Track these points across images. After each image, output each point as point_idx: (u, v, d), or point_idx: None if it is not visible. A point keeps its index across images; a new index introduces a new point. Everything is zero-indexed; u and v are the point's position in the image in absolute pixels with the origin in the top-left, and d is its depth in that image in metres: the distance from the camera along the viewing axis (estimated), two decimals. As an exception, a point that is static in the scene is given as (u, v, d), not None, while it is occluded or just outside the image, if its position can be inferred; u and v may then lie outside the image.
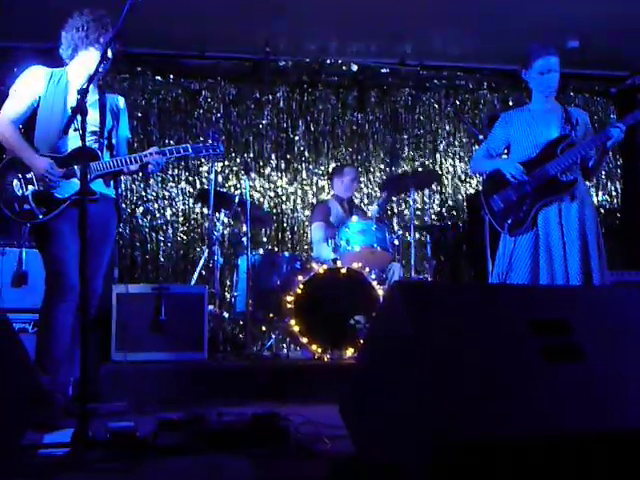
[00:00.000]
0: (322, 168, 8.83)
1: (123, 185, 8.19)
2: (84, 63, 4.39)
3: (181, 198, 8.48)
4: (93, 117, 4.37)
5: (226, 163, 8.57)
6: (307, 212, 8.50)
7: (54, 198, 4.24)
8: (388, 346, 2.65)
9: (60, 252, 4.22)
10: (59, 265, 4.21)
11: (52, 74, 4.41)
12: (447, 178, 9.12)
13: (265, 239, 8.54)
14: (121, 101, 4.74)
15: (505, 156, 5.14)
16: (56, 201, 4.25)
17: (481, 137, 5.61)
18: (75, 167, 4.27)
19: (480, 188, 5.12)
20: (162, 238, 8.39)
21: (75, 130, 3.63)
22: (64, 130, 3.62)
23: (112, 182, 4.55)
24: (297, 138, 8.82)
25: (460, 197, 9.13)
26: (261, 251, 6.77)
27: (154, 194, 8.43)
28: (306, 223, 8.38)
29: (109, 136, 4.52)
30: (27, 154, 4.22)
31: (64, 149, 4.30)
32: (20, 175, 4.26)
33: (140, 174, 4.94)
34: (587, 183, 4.93)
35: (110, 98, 4.64)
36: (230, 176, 8.60)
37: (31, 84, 4.34)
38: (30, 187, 4.24)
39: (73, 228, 4.17)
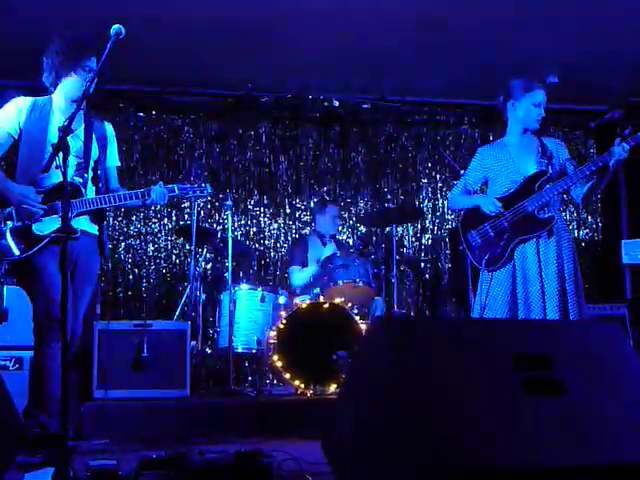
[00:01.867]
0: (304, 203, 8.85)
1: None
2: (67, 90, 4.32)
3: (163, 234, 8.47)
4: (77, 147, 4.29)
5: (208, 199, 8.58)
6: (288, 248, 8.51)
7: (33, 235, 4.15)
8: (370, 381, 2.64)
9: (46, 289, 4.11)
10: (46, 302, 4.10)
11: (34, 103, 4.32)
12: (429, 212, 9.15)
13: (247, 274, 8.53)
14: (109, 128, 4.65)
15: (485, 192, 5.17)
16: (35, 238, 4.15)
17: (462, 172, 5.64)
18: (57, 203, 4.18)
19: (459, 223, 5.14)
20: (144, 274, 8.37)
21: (57, 167, 3.58)
22: (44, 168, 3.58)
23: (96, 218, 4.45)
24: (279, 173, 8.85)
25: (442, 231, 9.16)
26: (243, 286, 6.74)
27: (136, 230, 8.42)
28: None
29: (95, 167, 4.41)
30: (2, 183, 4.14)
31: (47, 183, 4.22)
32: None
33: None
34: (566, 217, 4.96)
35: (97, 125, 4.53)
36: (212, 212, 8.61)
37: (11, 116, 4.27)
38: (9, 222, 4.15)
39: (56, 265, 4.04)
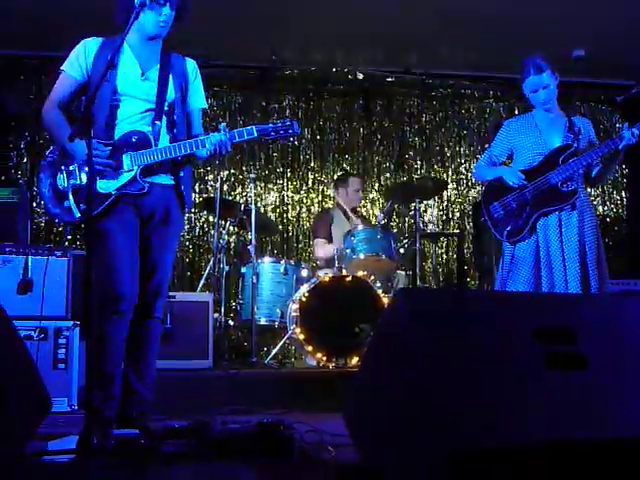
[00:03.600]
0: (328, 176, 8.83)
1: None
2: (141, 27, 3.82)
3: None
4: (146, 91, 3.86)
5: (232, 171, 8.59)
6: (312, 220, 8.49)
7: (98, 193, 3.67)
8: (391, 354, 2.64)
9: (107, 256, 3.68)
10: (106, 272, 3.66)
11: (103, 43, 3.87)
12: (453, 186, 9.12)
13: (271, 247, 8.54)
14: (190, 65, 4.09)
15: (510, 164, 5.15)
16: (99, 196, 3.69)
17: (487, 145, 5.61)
18: (123, 156, 3.77)
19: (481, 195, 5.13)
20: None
21: (81, 138, 3.44)
22: (69, 137, 3.41)
23: (171, 168, 3.93)
24: (303, 146, 8.83)
25: (466, 205, 9.12)
26: (266, 259, 6.76)
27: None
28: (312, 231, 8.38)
29: (170, 111, 3.91)
30: (65, 140, 3.53)
31: (116, 135, 3.79)
32: (63, 167, 3.81)
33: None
34: (590, 192, 4.94)
35: (177, 63, 4.02)
36: (236, 184, 8.61)
37: (77, 58, 3.85)
38: (71, 181, 3.79)
39: (124, 226, 3.76)
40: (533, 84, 4.83)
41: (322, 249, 7.18)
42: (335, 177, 8.43)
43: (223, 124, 3.85)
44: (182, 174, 3.97)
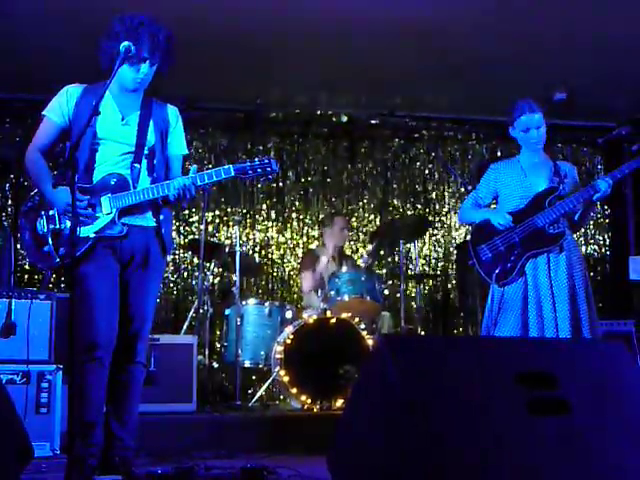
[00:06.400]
0: (312, 218, 8.86)
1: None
2: (120, 79, 3.81)
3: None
4: (127, 134, 3.88)
5: (217, 213, 8.60)
6: (297, 261, 8.50)
7: (76, 237, 3.52)
8: (375, 399, 2.65)
9: (84, 301, 3.61)
10: (82, 317, 3.57)
11: (85, 91, 3.87)
12: (437, 227, 9.15)
13: (255, 289, 8.52)
14: (172, 112, 4.12)
15: (493, 206, 5.17)
16: (78, 240, 3.60)
17: (470, 187, 5.63)
18: (102, 199, 3.75)
19: (469, 237, 5.14)
20: (152, 288, 8.35)
21: (62, 185, 3.43)
22: (53, 184, 3.42)
23: (151, 210, 3.90)
24: (288, 188, 8.86)
25: (450, 246, 9.15)
26: (251, 301, 6.76)
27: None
28: (296, 272, 8.38)
29: (150, 155, 3.91)
30: (45, 187, 3.72)
31: (95, 178, 3.79)
32: (43, 212, 3.81)
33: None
34: (574, 234, 4.97)
35: (158, 110, 4.03)
36: (220, 226, 8.62)
37: (59, 104, 3.87)
38: (51, 226, 3.78)
39: (102, 270, 3.71)
40: (526, 122, 4.85)
41: (307, 281, 7.21)
42: (320, 218, 8.46)
43: (194, 166, 3.84)
44: (162, 217, 3.95)
